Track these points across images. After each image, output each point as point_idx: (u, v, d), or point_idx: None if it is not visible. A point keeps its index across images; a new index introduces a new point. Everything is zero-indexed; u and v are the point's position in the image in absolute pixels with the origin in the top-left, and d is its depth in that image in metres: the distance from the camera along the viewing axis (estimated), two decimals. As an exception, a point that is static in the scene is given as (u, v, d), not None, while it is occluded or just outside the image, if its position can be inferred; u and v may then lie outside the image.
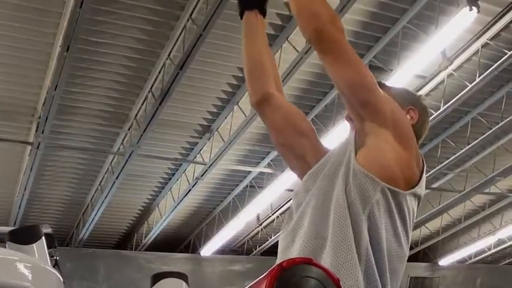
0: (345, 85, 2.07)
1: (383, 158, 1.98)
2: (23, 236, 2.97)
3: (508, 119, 9.95)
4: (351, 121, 2.21)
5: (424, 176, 2.10)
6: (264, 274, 1.38)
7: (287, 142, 2.31)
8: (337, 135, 8.88)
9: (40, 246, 3.01)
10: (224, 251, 14.83)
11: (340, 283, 1.41)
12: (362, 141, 2.04)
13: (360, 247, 1.88)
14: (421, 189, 2.08)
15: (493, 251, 16.47)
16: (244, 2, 2.44)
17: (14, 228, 3.10)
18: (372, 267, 1.90)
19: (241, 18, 2.44)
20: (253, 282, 1.43)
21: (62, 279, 2.52)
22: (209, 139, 10.34)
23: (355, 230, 1.90)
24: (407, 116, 2.16)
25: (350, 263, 1.86)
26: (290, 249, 2.03)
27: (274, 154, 11.05)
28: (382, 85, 2.24)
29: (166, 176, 11.71)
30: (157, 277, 2.98)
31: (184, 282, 3.01)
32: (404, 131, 2.05)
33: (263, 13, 2.44)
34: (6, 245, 2.92)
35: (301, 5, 2.13)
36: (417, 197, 2.06)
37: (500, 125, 10.14)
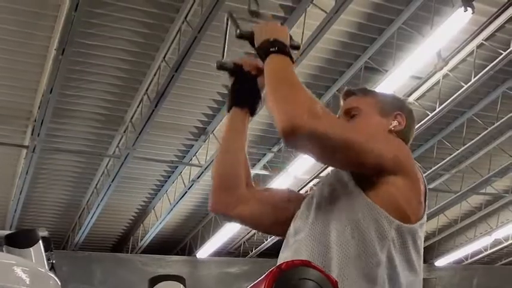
0: (344, 168, 1.99)
1: (394, 199, 1.92)
2: (20, 239, 2.96)
3: (503, 120, 9.97)
4: None
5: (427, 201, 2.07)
6: (263, 276, 1.38)
7: (272, 219, 2.21)
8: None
9: (37, 250, 3.00)
10: (220, 253, 14.81)
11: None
12: (367, 183, 1.95)
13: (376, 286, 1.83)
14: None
15: (490, 251, 16.45)
16: (236, 97, 2.32)
17: (11, 232, 3.09)
18: None
19: (228, 111, 2.31)
20: (252, 284, 1.43)
21: (59, 283, 2.52)
22: (205, 141, 10.34)
23: (368, 269, 1.83)
24: (395, 121, 2.13)
25: None
26: None
27: (269, 156, 11.05)
28: (368, 92, 2.23)
29: (162, 179, 11.70)
30: (155, 280, 2.98)
31: (182, 285, 3.01)
32: (409, 171, 1.98)
33: (252, 112, 2.30)
34: (4, 248, 2.91)
35: (273, 97, 1.91)
36: (424, 223, 2.04)
37: (495, 125, 10.15)
